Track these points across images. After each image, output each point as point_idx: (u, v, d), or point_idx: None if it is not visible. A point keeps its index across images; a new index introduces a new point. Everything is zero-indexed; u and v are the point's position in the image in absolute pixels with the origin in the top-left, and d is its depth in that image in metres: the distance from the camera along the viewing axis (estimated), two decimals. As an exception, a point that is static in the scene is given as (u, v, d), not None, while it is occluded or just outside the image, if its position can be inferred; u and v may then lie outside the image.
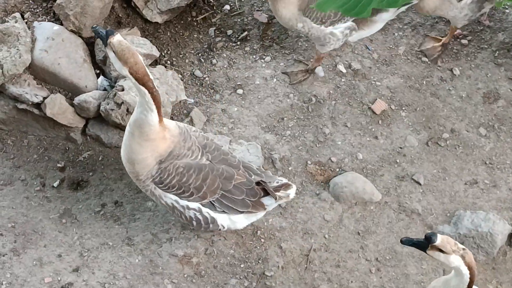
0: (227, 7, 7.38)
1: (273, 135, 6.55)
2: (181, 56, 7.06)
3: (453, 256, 4.53)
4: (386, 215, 6.22)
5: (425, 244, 4.57)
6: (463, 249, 4.55)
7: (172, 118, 6.39)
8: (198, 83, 6.86)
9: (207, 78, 6.91)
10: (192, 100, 6.65)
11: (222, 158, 5.52)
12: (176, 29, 7.20)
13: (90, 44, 6.69)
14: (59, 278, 5.69)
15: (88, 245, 5.91)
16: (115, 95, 6.29)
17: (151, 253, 5.89)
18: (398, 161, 6.47)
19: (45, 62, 6.37)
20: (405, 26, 7.26)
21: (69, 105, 6.39)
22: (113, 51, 4.95)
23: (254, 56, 7.06)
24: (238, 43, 7.14)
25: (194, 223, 5.62)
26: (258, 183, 5.54)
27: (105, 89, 6.51)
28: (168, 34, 7.16)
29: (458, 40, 7.17)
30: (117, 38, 4.93)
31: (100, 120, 6.42)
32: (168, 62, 6.98)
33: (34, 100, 6.31)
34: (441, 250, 4.53)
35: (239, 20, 7.31)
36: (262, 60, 7.02)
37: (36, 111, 6.39)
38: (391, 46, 7.08)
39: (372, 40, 7.00)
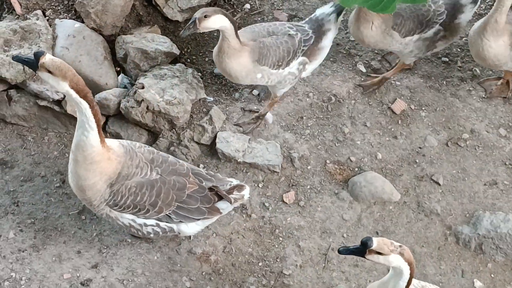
0: (247, 6, 7.39)
1: (292, 134, 6.55)
2: (201, 54, 7.08)
3: (392, 255, 4.53)
4: (405, 215, 6.20)
5: (363, 249, 4.55)
6: (400, 246, 4.55)
7: (191, 117, 6.41)
8: (218, 82, 6.87)
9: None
10: (212, 99, 6.65)
11: (171, 169, 5.47)
12: (197, 27, 7.21)
13: (110, 41, 6.72)
14: (78, 275, 5.71)
15: (107, 241, 5.93)
16: (135, 92, 6.31)
17: (170, 250, 5.91)
18: (417, 161, 6.45)
19: (66, 59, 6.37)
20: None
21: (90, 102, 6.42)
22: (48, 71, 4.81)
23: (273, 55, 7.06)
24: (258, 41, 7.14)
25: (152, 235, 5.62)
26: (210, 189, 5.51)
27: (125, 87, 6.54)
28: (188, 32, 7.17)
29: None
30: (48, 57, 4.79)
31: (120, 117, 6.45)
32: (188, 60, 6.99)
33: (54, 97, 6.34)
34: (379, 253, 4.52)
35: (259, 19, 7.31)
36: (282, 59, 7.02)
37: (56, 108, 6.42)
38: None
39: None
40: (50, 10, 6.72)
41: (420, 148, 6.52)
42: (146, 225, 5.51)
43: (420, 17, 6.34)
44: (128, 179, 5.34)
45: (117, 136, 6.50)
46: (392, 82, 6.87)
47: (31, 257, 5.82)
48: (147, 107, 6.28)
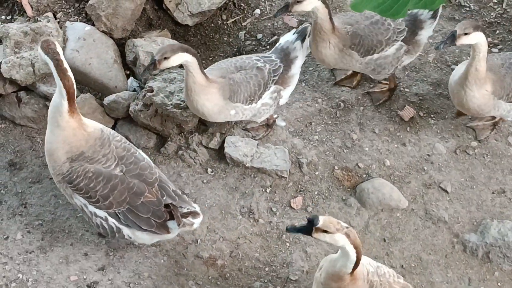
0: (257, 11, 7.40)
1: (300, 139, 6.55)
2: (210, 59, 7.09)
3: (338, 234, 4.57)
4: (412, 222, 6.19)
5: (309, 227, 4.59)
6: (347, 227, 4.58)
7: (200, 121, 6.41)
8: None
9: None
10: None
11: (138, 173, 5.47)
12: (206, 32, 7.23)
13: (120, 45, 6.74)
14: (84, 277, 5.72)
15: (114, 244, 5.94)
16: (144, 96, 6.32)
17: (177, 254, 5.91)
18: (425, 168, 6.44)
19: (76, 62, 6.42)
20: (436, 34, 7.23)
21: (99, 105, 6.44)
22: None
23: (283, 60, 7.06)
24: (268, 47, 7.15)
25: (101, 230, 5.62)
26: (167, 206, 5.47)
27: (134, 90, 6.55)
28: (198, 36, 7.19)
29: (489, 48, 7.12)
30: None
31: (129, 120, 6.46)
32: (198, 64, 7.00)
33: (64, 99, 6.36)
34: (325, 231, 4.54)
35: (269, 24, 7.32)
36: (291, 65, 7.02)
37: (66, 110, 6.43)
38: (420, 53, 7.04)
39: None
40: (61, 12, 6.75)
41: (428, 155, 6.51)
42: (96, 215, 5.50)
43: (379, 36, 6.28)
44: (90, 163, 5.40)
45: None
46: (401, 89, 6.86)
47: (38, 258, 5.83)
48: (156, 111, 6.29)
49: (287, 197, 6.26)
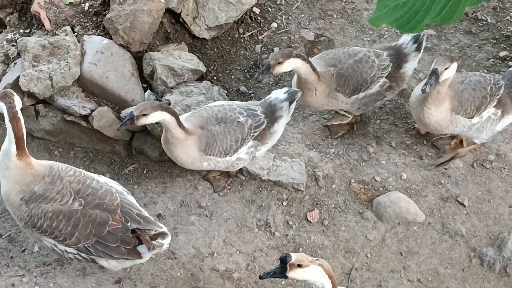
0: (274, 24, 7.42)
1: (317, 152, 6.55)
2: (227, 72, 7.11)
3: (313, 266, 4.51)
4: (429, 236, 6.17)
5: (283, 267, 4.50)
6: (317, 259, 4.53)
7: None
8: (244, 99, 6.89)
9: (252, 94, 6.94)
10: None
11: (97, 203, 5.43)
12: (223, 45, 7.25)
13: (138, 58, 6.76)
14: (101, 289, 5.74)
15: (131, 257, 5.95)
16: (161, 109, 6.34)
17: (193, 267, 5.92)
18: (442, 182, 6.42)
19: (94, 75, 6.45)
20: (452, 47, 7.23)
21: (116, 118, 6.46)
22: None
23: (300, 74, 7.08)
24: (285, 60, 7.16)
25: (76, 262, 5.65)
26: (134, 231, 5.43)
27: (151, 103, 6.57)
28: (215, 50, 7.21)
29: (505, 62, 7.11)
30: None
31: (146, 133, 6.48)
32: (214, 77, 7.03)
33: (82, 112, 6.39)
34: (300, 265, 4.50)
35: (285, 37, 7.34)
36: (308, 78, 7.03)
37: (83, 123, 6.47)
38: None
39: (419, 61, 6.96)
40: (79, 26, 6.78)
41: (445, 168, 6.49)
42: (67, 252, 5.49)
43: (364, 74, 6.20)
44: (46, 202, 5.39)
45: (141, 152, 6.53)
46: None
47: (55, 271, 5.84)
48: (173, 124, 6.30)
49: (303, 210, 6.25)
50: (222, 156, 5.93)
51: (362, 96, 6.26)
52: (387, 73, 6.28)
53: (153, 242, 5.39)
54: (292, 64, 5.87)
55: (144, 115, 5.52)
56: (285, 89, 6.17)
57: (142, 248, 5.42)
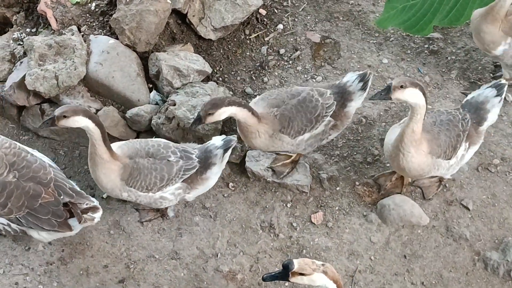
0: (280, 26, 7.42)
1: (321, 154, 6.55)
2: (233, 73, 7.11)
3: (315, 274, 4.48)
4: (433, 239, 6.17)
5: (285, 273, 4.50)
6: (322, 265, 4.50)
7: (221, 134, 6.43)
8: (249, 101, 6.88)
9: (258, 96, 6.93)
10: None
11: (32, 176, 5.52)
12: (229, 46, 7.25)
13: (144, 58, 6.77)
14: (105, 289, 5.75)
15: (135, 257, 5.96)
16: (166, 109, 6.35)
17: (197, 268, 5.92)
18: (447, 185, 6.42)
19: (100, 75, 6.46)
20: (459, 50, 7.22)
21: (121, 118, 6.47)
22: None
23: (305, 76, 7.08)
24: (290, 62, 7.17)
25: (4, 233, 5.73)
26: (66, 204, 5.51)
27: (157, 104, 6.58)
28: (221, 51, 7.22)
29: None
30: None
31: (151, 133, 6.49)
32: (220, 78, 7.03)
33: (87, 111, 6.40)
34: (302, 274, 4.48)
35: (291, 39, 7.34)
36: (313, 80, 7.04)
37: (88, 122, 6.47)
38: (443, 69, 7.04)
39: (425, 64, 6.97)
40: (85, 26, 6.80)
41: (450, 172, 6.49)
42: None
43: (308, 114, 5.94)
44: None
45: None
46: (423, 105, 6.84)
47: (59, 270, 5.85)
48: (178, 124, 6.31)
49: (307, 212, 6.25)
50: (144, 191, 5.77)
51: (308, 136, 6.02)
52: (332, 112, 6.05)
53: (84, 215, 5.51)
54: (225, 112, 5.60)
55: (64, 116, 5.35)
56: (223, 136, 5.96)
57: (73, 221, 5.57)
